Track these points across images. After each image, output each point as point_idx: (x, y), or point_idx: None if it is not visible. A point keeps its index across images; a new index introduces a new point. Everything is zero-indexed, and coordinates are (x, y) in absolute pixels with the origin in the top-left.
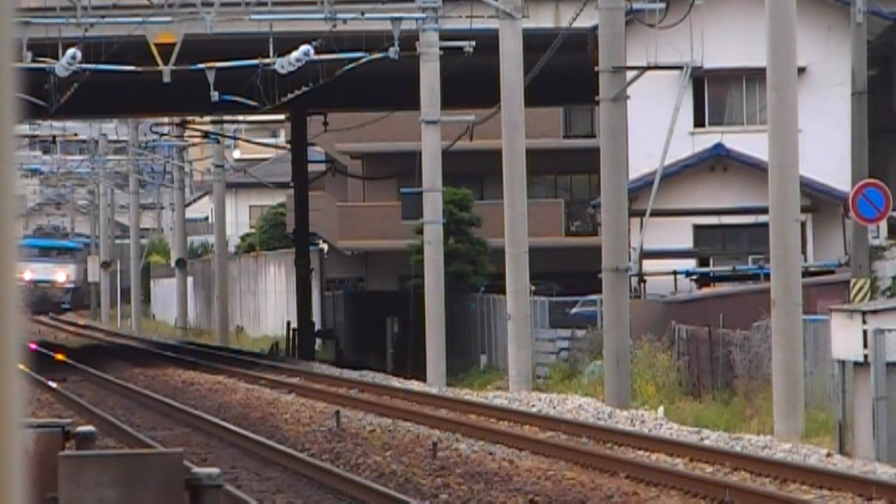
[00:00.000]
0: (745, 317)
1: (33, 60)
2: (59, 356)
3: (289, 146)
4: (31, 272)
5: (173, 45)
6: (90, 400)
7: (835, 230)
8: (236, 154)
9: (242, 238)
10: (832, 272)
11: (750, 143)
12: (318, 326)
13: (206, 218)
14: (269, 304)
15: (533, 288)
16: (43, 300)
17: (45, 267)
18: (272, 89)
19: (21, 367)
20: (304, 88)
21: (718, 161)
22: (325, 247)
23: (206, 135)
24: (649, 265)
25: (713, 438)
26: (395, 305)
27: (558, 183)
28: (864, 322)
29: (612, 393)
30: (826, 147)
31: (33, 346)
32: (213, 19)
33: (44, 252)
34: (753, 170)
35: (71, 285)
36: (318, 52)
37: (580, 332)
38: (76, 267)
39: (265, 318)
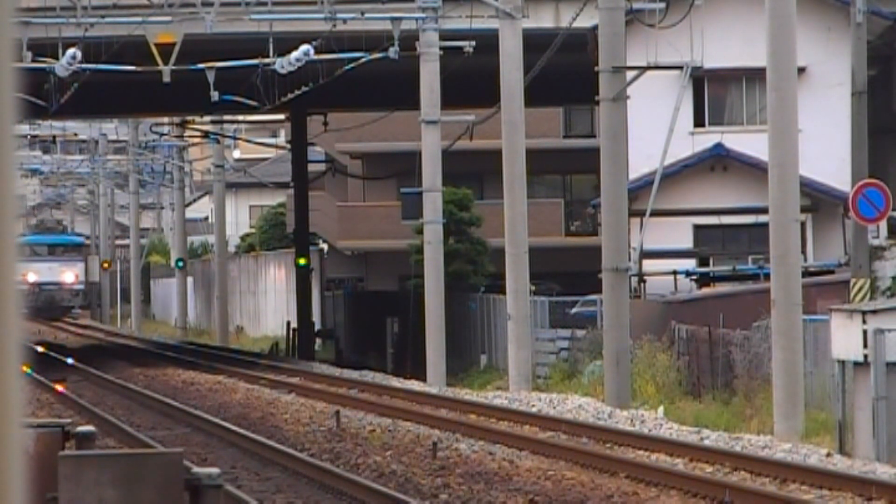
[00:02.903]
0: (745, 317)
1: (33, 60)
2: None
3: (289, 146)
4: (34, 274)
5: (173, 45)
6: (90, 400)
7: (835, 230)
8: (236, 154)
9: (242, 238)
10: (832, 272)
11: (750, 143)
12: (318, 326)
13: (206, 218)
14: (269, 304)
15: (533, 288)
16: (50, 304)
17: (50, 267)
18: (272, 89)
19: (23, 367)
20: (304, 88)
21: (718, 161)
22: (325, 247)
23: (206, 135)
24: (649, 265)
25: (713, 438)
26: (395, 305)
27: (558, 183)
28: (864, 322)
29: (612, 393)
30: (826, 147)
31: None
32: (213, 19)
33: (49, 250)
34: (753, 170)
35: (80, 286)
36: (318, 52)
37: (580, 332)
38: (84, 265)
39: (265, 318)
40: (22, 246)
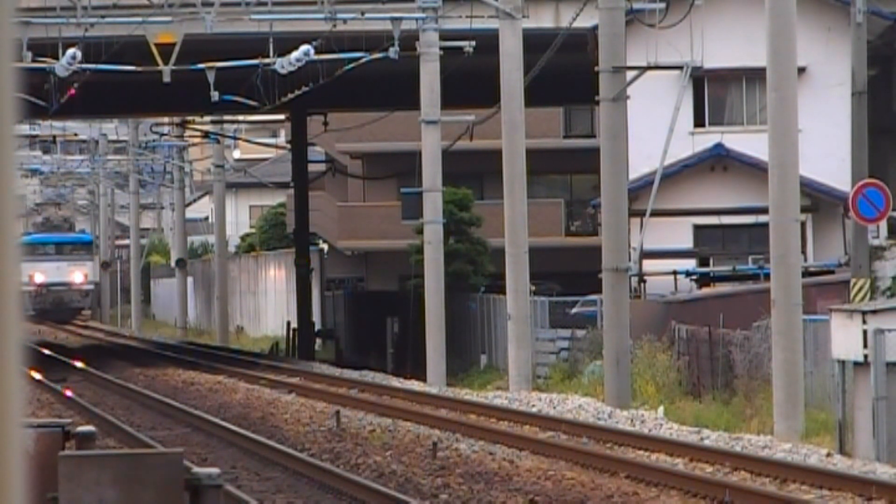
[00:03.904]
0: (745, 317)
1: (33, 60)
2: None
3: (289, 146)
4: (41, 274)
5: (173, 45)
6: (90, 400)
7: (835, 230)
8: (236, 154)
9: (242, 238)
10: (832, 272)
11: (750, 143)
12: (318, 326)
13: (206, 218)
14: (269, 304)
15: (533, 288)
16: (58, 306)
17: (58, 267)
18: (272, 89)
19: (25, 368)
20: (304, 88)
21: (718, 161)
22: (325, 247)
23: (206, 135)
24: (649, 265)
25: (713, 438)
26: (395, 305)
27: (558, 183)
28: (864, 322)
29: (612, 393)
30: (826, 147)
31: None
32: (213, 19)
33: (56, 249)
34: (753, 170)
35: (90, 286)
36: (318, 52)
37: (580, 332)
38: (94, 264)
39: (265, 318)
40: (28, 245)
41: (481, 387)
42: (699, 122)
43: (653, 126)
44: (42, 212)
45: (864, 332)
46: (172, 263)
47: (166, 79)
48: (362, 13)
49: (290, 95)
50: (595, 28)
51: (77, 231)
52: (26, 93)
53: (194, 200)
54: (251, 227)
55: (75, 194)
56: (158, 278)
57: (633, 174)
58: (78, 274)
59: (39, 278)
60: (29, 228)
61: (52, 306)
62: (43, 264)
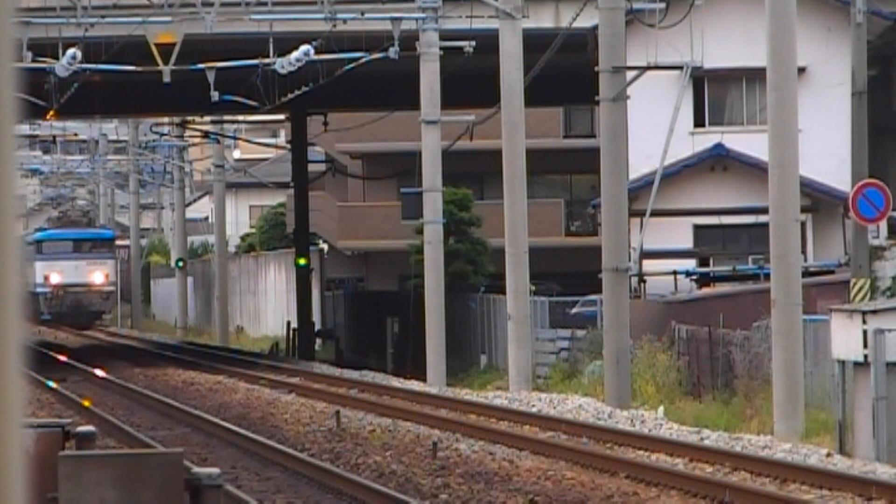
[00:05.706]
0: (745, 317)
1: (33, 60)
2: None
3: (289, 146)
4: (58, 274)
5: (173, 45)
6: (90, 400)
7: (835, 230)
8: (236, 154)
9: (242, 238)
10: (832, 272)
11: (750, 143)
12: (318, 326)
13: (206, 218)
14: (269, 304)
15: (533, 288)
16: (77, 309)
17: (76, 266)
18: (272, 89)
19: (23, 367)
20: (304, 88)
21: (718, 161)
22: (325, 247)
23: (206, 135)
24: (649, 265)
25: (713, 438)
26: (395, 305)
27: (558, 183)
28: (864, 322)
29: (612, 393)
30: (826, 147)
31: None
32: (213, 19)
33: (74, 246)
34: (753, 170)
35: (111, 287)
36: (318, 52)
37: (580, 332)
38: (115, 263)
39: (265, 318)
40: (44, 242)
41: (481, 387)
42: (699, 122)
43: (653, 126)
44: (57, 206)
45: (864, 333)
46: (172, 263)
47: (166, 79)
48: (362, 13)
49: (290, 95)
50: (595, 28)
51: (97, 226)
52: (26, 93)
53: (194, 200)
54: (251, 227)
55: (75, 194)
56: (158, 278)
57: (633, 174)
58: (98, 274)
59: (55, 279)
60: (44, 224)
61: (70, 310)
62: (59, 263)
